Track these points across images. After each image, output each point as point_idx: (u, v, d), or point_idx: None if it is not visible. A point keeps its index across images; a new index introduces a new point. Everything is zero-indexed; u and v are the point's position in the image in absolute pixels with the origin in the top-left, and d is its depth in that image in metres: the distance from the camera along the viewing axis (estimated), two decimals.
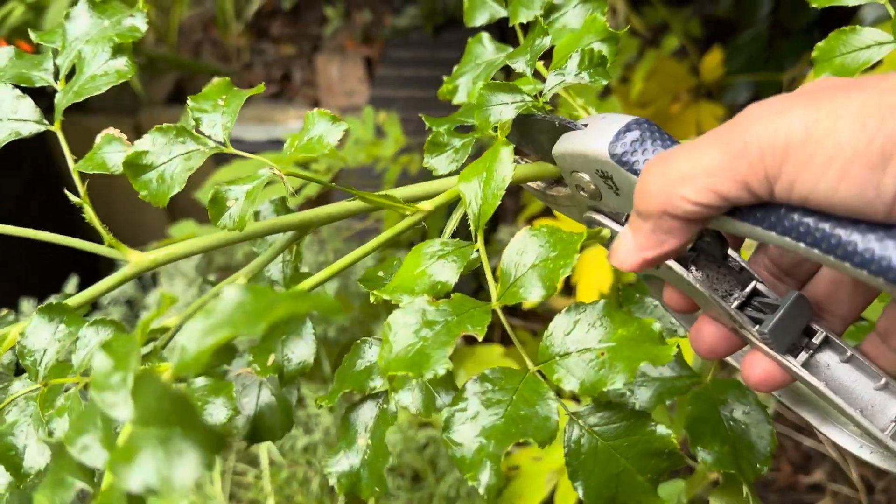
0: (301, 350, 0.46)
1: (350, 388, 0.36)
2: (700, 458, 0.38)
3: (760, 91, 1.34)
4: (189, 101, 0.36)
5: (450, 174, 0.43)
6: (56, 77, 0.45)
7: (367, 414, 0.36)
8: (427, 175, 0.44)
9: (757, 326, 0.30)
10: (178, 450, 0.20)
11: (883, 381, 0.29)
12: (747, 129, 0.23)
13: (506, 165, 0.34)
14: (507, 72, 0.49)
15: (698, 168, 0.25)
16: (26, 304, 1.42)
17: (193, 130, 0.35)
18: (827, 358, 0.30)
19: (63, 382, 0.33)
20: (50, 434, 0.31)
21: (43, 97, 0.46)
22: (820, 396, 0.29)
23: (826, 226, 0.24)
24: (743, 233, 0.26)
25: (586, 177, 0.32)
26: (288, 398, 0.48)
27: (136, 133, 0.43)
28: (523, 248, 0.33)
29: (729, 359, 0.35)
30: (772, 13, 1.38)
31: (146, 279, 1.51)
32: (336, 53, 2.36)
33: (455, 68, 0.51)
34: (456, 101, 0.50)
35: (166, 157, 0.34)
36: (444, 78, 0.50)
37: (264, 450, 1.14)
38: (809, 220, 0.24)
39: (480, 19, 0.50)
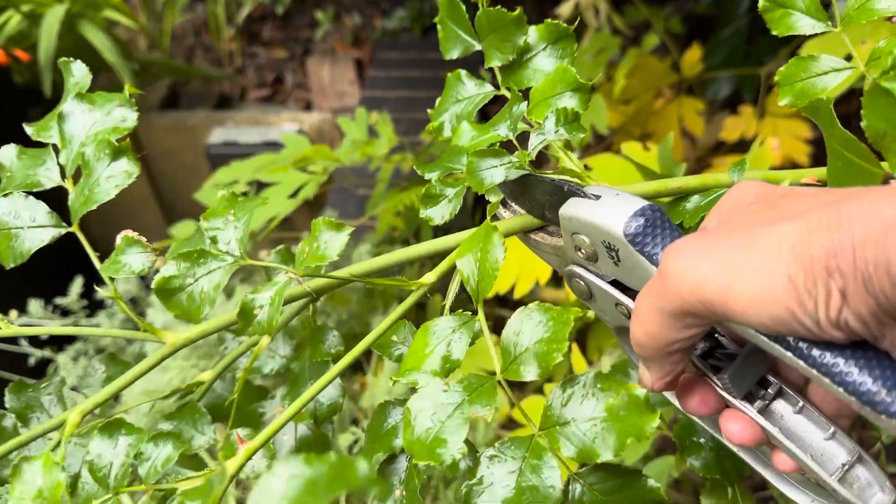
0: (330, 392, 0.51)
1: (380, 451, 0.41)
2: (689, 464, 0.44)
3: (741, 85, 1.35)
4: (202, 222, 0.39)
5: (444, 223, 0.46)
6: (63, 176, 0.48)
7: (400, 468, 0.41)
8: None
9: (718, 374, 0.34)
10: None
11: (831, 430, 0.32)
12: (680, 286, 0.28)
13: (498, 249, 0.38)
14: (495, 99, 0.51)
15: (661, 317, 0.29)
16: (34, 305, 1.46)
17: (211, 249, 0.38)
18: (781, 408, 0.33)
19: (132, 490, 0.38)
20: None
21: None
22: (774, 442, 0.33)
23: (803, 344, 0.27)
24: (741, 333, 0.29)
25: (587, 240, 0.35)
26: (324, 432, 0.54)
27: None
28: (520, 329, 0.37)
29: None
30: (751, 9, 1.38)
31: (149, 280, 1.55)
32: (327, 56, 2.39)
33: (437, 102, 0.52)
34: (442, 137, 0.52)
35: (192, 278, 0.38)
36: (429, 112, 0.53)
37: None
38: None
39: (455, 52, 0.51)
